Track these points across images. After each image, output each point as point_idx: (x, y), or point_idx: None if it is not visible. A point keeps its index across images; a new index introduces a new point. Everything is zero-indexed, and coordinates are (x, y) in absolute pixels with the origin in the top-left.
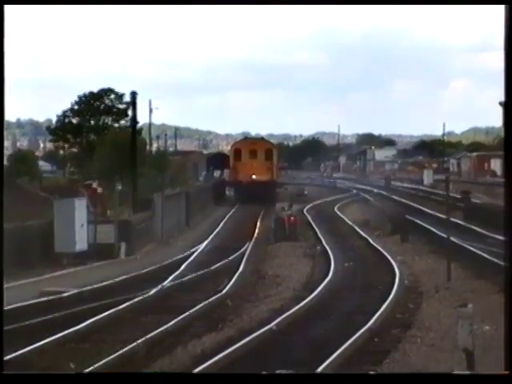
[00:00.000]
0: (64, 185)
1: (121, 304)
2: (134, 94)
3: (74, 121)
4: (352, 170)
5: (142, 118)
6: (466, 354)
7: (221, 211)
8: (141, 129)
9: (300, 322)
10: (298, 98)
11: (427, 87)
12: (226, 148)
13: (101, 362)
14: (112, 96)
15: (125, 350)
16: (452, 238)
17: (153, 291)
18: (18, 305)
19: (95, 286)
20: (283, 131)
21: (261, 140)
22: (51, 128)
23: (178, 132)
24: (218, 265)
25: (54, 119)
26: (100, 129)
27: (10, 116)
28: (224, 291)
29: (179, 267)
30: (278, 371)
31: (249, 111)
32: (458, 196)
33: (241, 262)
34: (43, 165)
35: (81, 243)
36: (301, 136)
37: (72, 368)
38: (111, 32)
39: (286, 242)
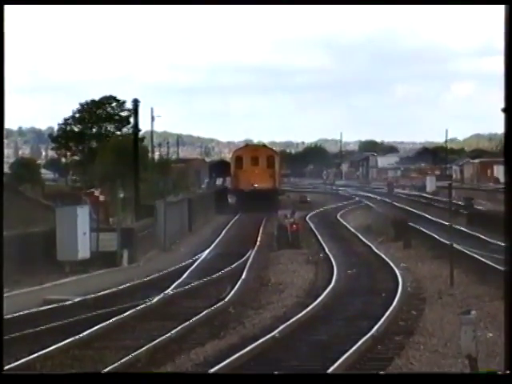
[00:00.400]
0: (66, 192)
1: (124, 311)
2: (135, 102)
3: (76, 128)
4: (354, 177)
5: (144, 125)
6: (469, 360)
7: (223, 218)
8: (143, 137)
9: (303, 328)
10: (301, 103)
11: (430, 92)
12: (228, 155)
13: (104, 370)
14: (114, 103)
15: (128, 357)
16: (455, 245)
17: (156, 299)
18: (21, 313)
19: (98, 293)
20: (285, 139)
21: (262, 147)
22: (53, 136)
23: (180, 139)
24: (220, 272)
25: (56, 127)
26: (102, 136)
27: (11, 124)
28: (227, 298)
29: (182, 274)
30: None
31: (251, 117)
32: (461, 202)
33: (243, 268)
34: (45, 172)
35: (83, 251)
36: (303, 143)
37: None
38: (113, 37)
39: (288, 249)
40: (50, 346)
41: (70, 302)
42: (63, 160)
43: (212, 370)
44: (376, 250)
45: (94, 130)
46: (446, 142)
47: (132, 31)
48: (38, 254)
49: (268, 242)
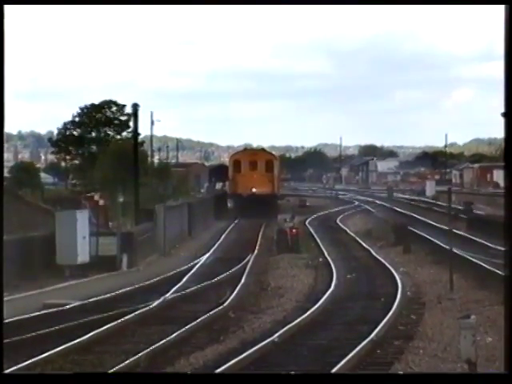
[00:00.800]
0: (66, 197)
1: (123, 316)
2: (135, 106)
3: (76, 133)
4: (354, 182)
5: (144, 130)
6: (469, 364)
7: (223, 223)
8: (143, 141)
9: (302, 333)
10: (300, 108)
11: (429, 97)
12: (228, 160)
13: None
14: (113, 108)
15: (128, 361)
16: (454, 249)
17: (155, 303)
18: (21, 317)
19: (97, 298)
20: (285, 143)
21: (261, 151)
22: (53, 140)
23: (179, 144)
24: (220, 276)
25: (56, 131)
26: (102, 140)
27: (11, 128)
28: (226, 303)
29: (181, 279)
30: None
31: (250, 122)
32: (461, 207)
33: (243, 273)
34: (45, 177)
35: (83, 255)
36: (303, 148)
37: None
38: (114, 42)
39: (288, 254)
40: (50, 350)
41: (69, 306)
42: (63, 164)
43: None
44: (375, 255)
45: (94, 134)
46: (445, 146)
47: (133, 37)
48: (37, 258)
49: (267, 247)
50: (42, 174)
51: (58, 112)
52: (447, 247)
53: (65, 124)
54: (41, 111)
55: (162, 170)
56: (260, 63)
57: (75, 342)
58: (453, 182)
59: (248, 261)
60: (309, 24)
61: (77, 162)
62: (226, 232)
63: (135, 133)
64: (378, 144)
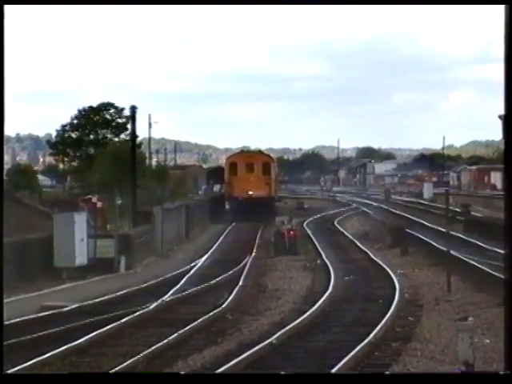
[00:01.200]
0: (64, 199)
1: (121, 318)
2: (133, 109)
3: (74, 135)
4: (352, 184)
5: (142, 132)
6: (467, 366)
7: (221, 225)
8: (140, 143)
9: (300, 335)
10: (298, 110)
11: (427, 100)
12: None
13: None
14: (111, 110)
15: (125, 363)
16: (452, 251)
17: (153, 305)
18: (19, 319)
19: (95, 300)
20: (283, 145)
21: (258, 153)
22: (51, 142)
23: (177, 146)
24: (218, 278)
25: (54, 133)
26: (99, 143)
27: (9, 131)
28: (224, 305)
29: (179, 281)
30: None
31: (248, 124)
32: (458, 209)
33: (241, 275)
34: (43, 179)
35: (80, 257)
36: (300, 150)
37: None
38: (111, 44)
39: (286, 256)
40: (48, 352)
41: (67, 308)
42: (61, 166)
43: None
44: (373, 257)
45: (92, 136)
46: (443, 148)
47: (130, 39)
48: (35, 260)
49: (265, 249)
50: (40, 177)
51: (56, 114)
52: (445, 249)
53: (63, 126)
54: (39, 113)
55: (159, 172)
56: (258, 65)
57: (73, 344)
58: (450, 184)
59: (246, 263)
60: (307, 26)
61: (75, 164)
62: (224, 234)
63: (133, 135)
64: (376, 146)
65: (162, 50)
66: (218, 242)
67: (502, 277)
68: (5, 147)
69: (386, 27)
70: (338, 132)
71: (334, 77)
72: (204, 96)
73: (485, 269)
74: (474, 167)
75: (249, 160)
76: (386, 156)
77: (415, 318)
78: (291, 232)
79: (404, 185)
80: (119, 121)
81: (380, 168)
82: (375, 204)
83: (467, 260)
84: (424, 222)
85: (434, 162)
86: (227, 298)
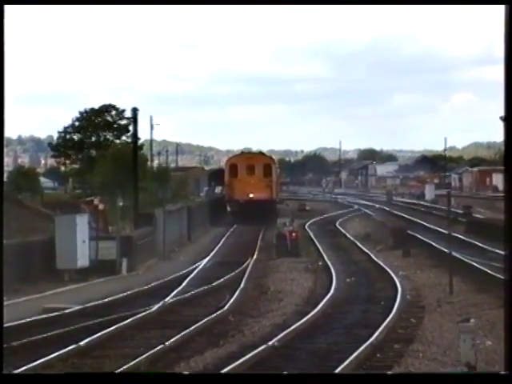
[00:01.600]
0: (65, 201)
1: (123, 320)
2: (135, 110)
3: (76, 137)
4: (353, 186)
5: (143, 134)
6: (469, 368)
7: (222, 227)
8: (142, 145)
9: (302, 337)
10: (299, 112)
11: (428, 101)
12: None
13: None
14: (113, 112)
15: (127, 365)
16: (454, 253)
17: (155, 307)
18: (21, 321)
19: (97, 302)
20: (285, 147)
21: (259, 154)
22: (53, 144)
23: (179, 148)
24: (220, 280)
25: (56, 135)
26: (101, 145)
27: (11, 133)
28: (226, 307)
29: (181, 283)
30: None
31: (250, 126)
32: (460, 211)
33: (243, 277)
34: (44, 181)
35: (82, 259)
36: (302, 152)
37: None
38: (113, 45)
39: (287, 258)
40: (50, 354)
41: (69, 310)
42: (62, 168)
43: None
44: (375, 259)
45: (94, 138)
46: (444, 150)
47: (133, 41)
48: (37, 262)
49: (267, 251)
50: (42, 179)
51: (58, 116)
52: (446, 251)
53: (65, 128)
54: (41, 115)
55: (161, 174)
56: (259, 67)
57: (75, 346)
58: (452, 186)
59: (248, 265)
60: (307, 28)
61: (76, 166)
62: (226, 236)
63: (135, 137)
64: (378, 148)
65: (164, 52)
66: (220, 244)
67: (504, 278)
68: (6, 149)
69: (387, 29)
70: (340, 134)
71: (335, 78)
72: (206, 98)
73: (486, 270)
74: (475, 169)
75: (249, 162)
76: (387, 158)
77: (417, 319)
78: (293, 234)
79: (406, 186)
80: (121, 123)
81: (382, 170)
82: (377, 206)
83: (469, 261)
84: (426, 224)
85: (435, 163)
86: (229, 300)
